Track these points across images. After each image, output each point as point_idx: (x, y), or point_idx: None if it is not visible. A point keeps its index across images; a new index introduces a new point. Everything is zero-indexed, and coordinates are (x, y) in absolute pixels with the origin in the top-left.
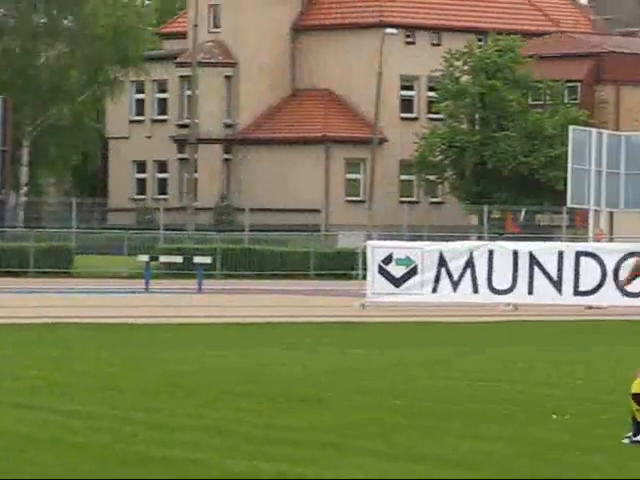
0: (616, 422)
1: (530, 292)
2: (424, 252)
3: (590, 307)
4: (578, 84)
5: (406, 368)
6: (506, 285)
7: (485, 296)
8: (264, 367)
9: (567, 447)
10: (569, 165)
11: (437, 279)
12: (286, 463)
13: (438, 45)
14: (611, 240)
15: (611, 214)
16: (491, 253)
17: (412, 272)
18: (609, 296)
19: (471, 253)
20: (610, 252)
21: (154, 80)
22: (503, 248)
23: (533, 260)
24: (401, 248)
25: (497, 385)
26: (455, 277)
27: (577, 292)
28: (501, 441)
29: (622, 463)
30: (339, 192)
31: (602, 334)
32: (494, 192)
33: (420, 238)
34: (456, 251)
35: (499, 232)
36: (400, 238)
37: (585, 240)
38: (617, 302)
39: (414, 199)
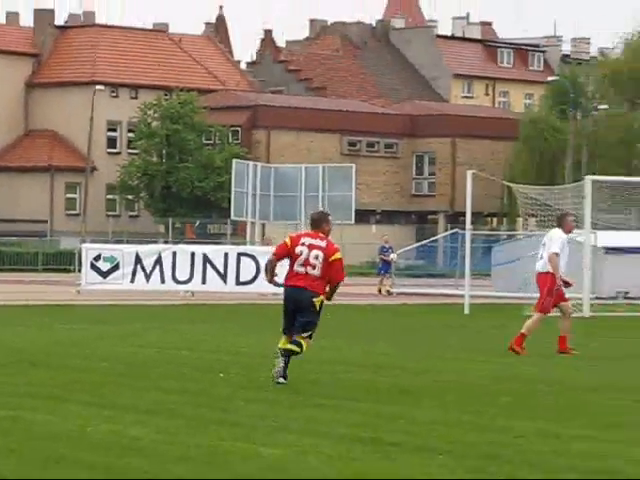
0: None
1: (204, 282)
2: (124, 252)
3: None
4: (239, 128)
5: (110, 339)
6: (186, 277)
7: (170, 285)
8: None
9: (230, 398)
10: (232, 188)
11: (134, 272)
12: (20, 410)
13: (135, 98)
14: (268, 244)
15: (263, 225)
16: (175, 253)
17: (115, 267)
18: (263, 285)
19: (160, 253)
20: (262, 253)
21: None
22: (183, 250)
23: (206, 259)
24: (107, 249)
25: (178, 352)
26: (148, 271)
27: (238, 283)
28: (177, 393)
29: (273, 410)
30: (61, 207)
31: (257, 315)
32: (177, 208)
33: (122, 242)
34: (149, 252)
35: (180, 238)
36: (107, 242)
37: (244, 244)
38: (268, 289)
39: (117, 213)
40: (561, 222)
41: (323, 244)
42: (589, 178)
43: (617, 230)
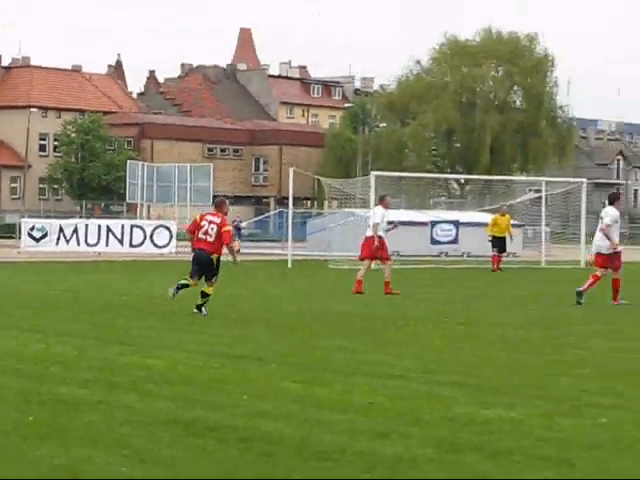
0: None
1: (107, 245)
2: (51, 224)
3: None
4: (132, 139)
5: (40, 284)
6: (94, 242)
7: (83, 248)
8: None
9: (127, 326)
10: (127, 180)
11: (58, 238)
12: None
13: (59, 117)
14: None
15: (149, 206)
16: (87, 225)
17: (45, 235)
18: (149, 248)
19: (76, 225)
20: (148, 225)
21: None
22: (93, 223)
23: (109, 229)
24: (39, 222)
25: (89, 293)
26: (67, 237)
27: (131, 246)
28: (87, 323)
29: (156, 334)
30: (7, 193)
31: (145, 268)
32: (88, 194)
33: (50, 217)
34: (68, 224)
35: (91, 214)
36: (39, 217)
37: (135, 219)
38: (153, 251)
39: (46, 197)
40: (381, 200)
41: (218, 220)
42: (373, 173)
43: (393, 209)
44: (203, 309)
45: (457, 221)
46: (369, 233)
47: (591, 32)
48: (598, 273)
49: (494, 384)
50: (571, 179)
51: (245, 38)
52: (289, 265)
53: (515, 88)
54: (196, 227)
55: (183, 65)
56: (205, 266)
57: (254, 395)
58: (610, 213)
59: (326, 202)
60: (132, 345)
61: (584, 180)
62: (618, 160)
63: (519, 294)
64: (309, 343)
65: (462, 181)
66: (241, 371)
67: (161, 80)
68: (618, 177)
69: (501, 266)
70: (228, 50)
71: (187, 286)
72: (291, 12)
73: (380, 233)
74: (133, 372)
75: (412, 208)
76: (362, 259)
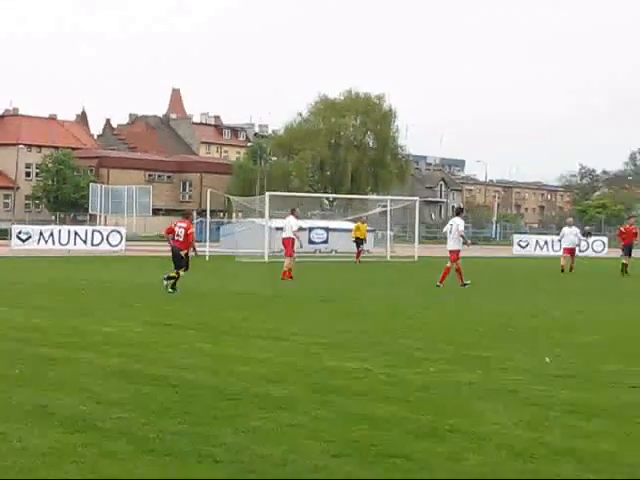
0: (111, 296)
1: (75, 244)
2: (34, 230)
3: None
4: (93, 168)
5: (25, 272)
6: (66, 242)
7: (58, 247)
8: None
9: (89, 306)
10: (90, 197)
11: (39, 240)
12: None
13: (40, 152)
14: (116, 225)
15: (106, 216)
16: (60, 230)
17: (29, 237)
18: (107, 246)
19: (52, 230)
20: (106, 230)
21: None
22: (65, 229)
23: (76, 233)
24: (25, 228)
25: (59, 280)
26: (46, 239)
27: (92, 245)
28: (58, 301)
29: (109, 307)
30: (1, 207)
31: (104, 262)
32: (62, 208)
33: (33, 225)
34: (47, 229)
35: (64, 223)
36: (25, 225)
37: (96, 225)
38: (112, 248)
39: (30, 210)
40: (292, 212)
41: (185, 225)
42: (268, 193)
43: (279, 218)
44: (171, 289)
45: (327, 227)
46: (287, 235)
47: (426, 90)
48: (453, 265)
49: (353, 344)
50: (408, 198)
51: (176, 95)
52: (207, 259)
53: (368, 133)
54: (171, 231)
55: (131, 115)
56: (175, 257)
57: (180, 353)
58: (460, 222)
59: (234, 214)
60: (92, 317)
61: (417, 198)
62: (441, 184)
63: (372, 278)
64: (220, 315)
65: (331, 199)
66: (170, 336)
67: (115, 125)
68: (441, 197)
69: (360, 259)
70: (164, 104)
71: (172, 277)
72: (210, 75)
73: (291, 235)
74: (93, 337)
75: (297, 218)
76: (289, 255)
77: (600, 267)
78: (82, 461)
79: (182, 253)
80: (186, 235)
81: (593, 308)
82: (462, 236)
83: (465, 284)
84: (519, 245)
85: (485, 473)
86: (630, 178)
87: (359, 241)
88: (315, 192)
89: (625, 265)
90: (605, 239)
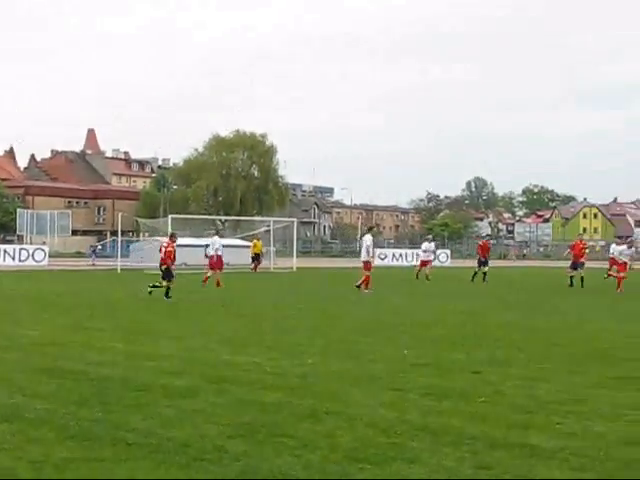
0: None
1: (4, 261)
2: None
3: None
4: (20, 195)
5: None
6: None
7: None
8: None
9: (17, 310)
10: (17, 220)
11: None
12: None
13: None
14: (42, 243)
15: (31, 237)
16: None
17: None
18: (32, 262)
19: None
20: (33, 248)
21: None
22: None
23: (6, 251)
24: None
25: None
26: None
27: (20, 260)
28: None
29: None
30: None
31: (33, 276)
32: None
33: None
34: None
35: None
36: None
37: (23, 244)
38: (39, 264)
39: None
40: (217, 233)
41: (165, 243)
42: (170, 216)
43: (183, 237)
44: (165, 297)
45: (222, 244)
46: (212, 253)
47: (300, 130)
48: (368, 273)
49: (244, 341)
50: (287, 219)
51: (91, 134)
52: (119, 271)
53: (254, 165)
54: (161, 250)
55: (52, 150)
56: (162, 270)
57: (96, 351)
58: (368, 238)
59: (141, 233)
60: (19, 322)
61: (295, 220)
62: (314, 208)
63: (260, 286)
64: (131, 318)
65: (223, 220)
66: (88, 337)
67: (39, 159)
68: (314, 218)
69: (258, 270)
70: (81, 141)
71: (158, 287)
72: (121, 116)
73: (213, 252)
74: (20, 339)
75: (195, 236)
76: (217, 269)
77: (446, 275)
78: (10, 447)
79: (163, 268)
80: (165, 252)
81: (442, 308)
82: (368, 250)
83: (366, 291)
84: (379, 258)
85: (357, 448)
86: (467, 202)
87: (256, 256)
88: (210, 215)
89: (476, 273)
90: (448, 252)
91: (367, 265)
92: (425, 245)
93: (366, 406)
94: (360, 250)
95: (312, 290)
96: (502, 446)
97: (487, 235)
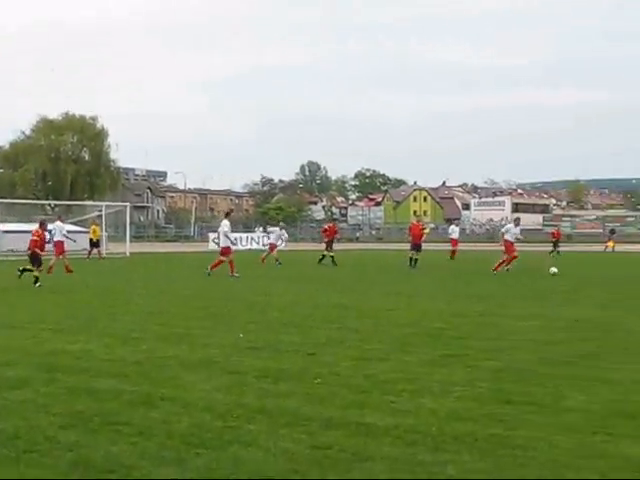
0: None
1: None
2: None
3: None
4: None
5: None
6: None
7: None
8: None
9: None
10: None
11: None
12: None
13: None
14: None
15: None
16: None
17: None
18: None
19: None
20: None
21: None
22: None
23: None
24: None
25: None
26: None
27: None
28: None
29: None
30: None
31: None
32: None
33: None
34: None
35: None
36: None
37: None
38: None
39: None
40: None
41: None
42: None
43: (7, 222)
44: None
45: (51, 229)
46: (59, 238)
47: (132, 114)
48: (223, 258)
49: (77, 329)
50: (120, 204)
51: None
52: None
53: (84, 149)
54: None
55: None
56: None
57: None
58: (226, 223)
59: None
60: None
61: (128, 204)
62: (147, 192)
63: (93, 271)
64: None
65: (53, 205)
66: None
67: None
68: (147, 202)
69: (91, 257)
70: None
71: (30, 271)
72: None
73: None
74: None
75: (22, 222)
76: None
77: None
78: None
79: (28, 253)
80: (30, 241)
81: (276, 291)
82: (226, 235)
83: (235, 275)
84: (214, 242)
85: (193, 433)
86: (301, 186)
87: (96, 242)
88: (38, 199)
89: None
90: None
91: (225, 250)
92: (277, 231)
93: (202, 390)
94: (218, 236)
95: (146, 275)
96: (338, 425)
97: (333, 219)
